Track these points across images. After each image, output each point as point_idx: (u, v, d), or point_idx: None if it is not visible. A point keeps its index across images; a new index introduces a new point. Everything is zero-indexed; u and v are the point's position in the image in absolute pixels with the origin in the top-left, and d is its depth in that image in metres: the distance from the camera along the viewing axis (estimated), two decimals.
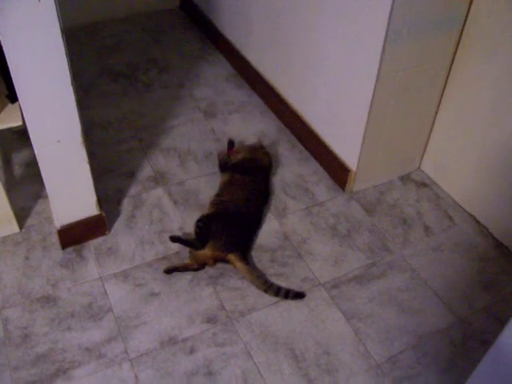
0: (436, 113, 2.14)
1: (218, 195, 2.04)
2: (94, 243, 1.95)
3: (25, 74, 1.48)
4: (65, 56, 1.49)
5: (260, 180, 2.14)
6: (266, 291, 1.82)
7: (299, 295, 1.83)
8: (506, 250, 2.02)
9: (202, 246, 1.84)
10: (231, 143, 2.28)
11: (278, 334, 1.72)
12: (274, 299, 1.81)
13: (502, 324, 0.96)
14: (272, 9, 2.37)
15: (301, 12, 2.16)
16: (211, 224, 1.87)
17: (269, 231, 2.04)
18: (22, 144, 2.28)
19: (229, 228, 1.89)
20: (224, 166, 2.17)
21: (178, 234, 1.99)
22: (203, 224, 1.87)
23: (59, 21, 1.42)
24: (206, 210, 1.99)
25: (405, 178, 2.29)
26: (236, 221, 1.92)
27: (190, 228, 2.01)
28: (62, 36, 1.45)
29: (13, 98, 1.67)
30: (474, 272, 1.94)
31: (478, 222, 2.12)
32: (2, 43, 1.40)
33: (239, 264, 1.85)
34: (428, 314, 1.80)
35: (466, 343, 1.73)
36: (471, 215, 2.14)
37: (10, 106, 1.71)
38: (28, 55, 1.44)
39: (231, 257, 1.86)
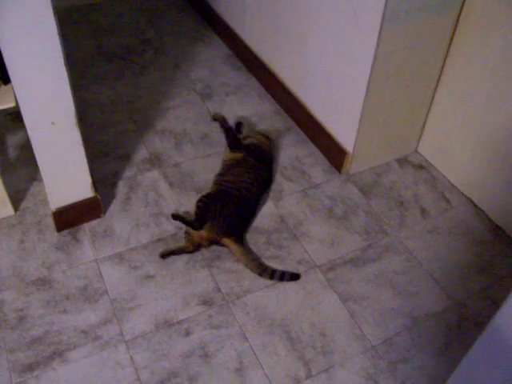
0: (433, 95, 2.12)
1: (220, 174, 2.02)
2: (89, 226, 1.95)
3: (17, 55, 1.46)
4: (58, 37, 1.47)
5: (269, 169, 2.14)
6: (260, 274, 1.82)
7: (294, 276, 1.83)
8: (503, 232, 2.02)
9: (200, 227, 1.84)
10: (239, 125, 2.27)
11: (274, 316, 1.73)
12: (270, 282, 1.81)
13: (498, 306, 0.96)
14: None
15: None
16: (210, 205, 1.87)
17: (265, 213, 2.04)
18: (16, 126, 2.26)
19: (227, 210, 1.88)
20: (236, 144, 2.12)
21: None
22: (203, 204, 1.87)
23: (52, 0, 1.40)
24: (202, 192, 1.98)
25: (402, 161, 2.28)
26: (236, 204, 1.91)
27: (185, 210, 2.00)
28: (55, 16, 1.43)
29: (5, 79, 1.65)
30: (470, 254, 1.94)
31: (474, 204, 2.12)
32: None
33: (234, 247, 1.85)
34: (424, 297, 1.81)
35: (462, 325, 1.74)
36: (468, 198, 2.14)
37: (2, 87, 1.69)
38: (20, 36, 1.42)
39: (226, 240, 1.86)
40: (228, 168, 2.04)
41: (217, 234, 1.85)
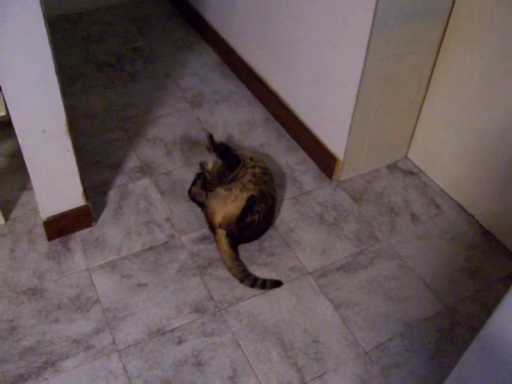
0: (423, 101, 2.14)
1: (268, 182, 1.99)
2: (80, 234, 1.94)
3: (8, 63, 1.45)
4: (49, 45, 1.47)
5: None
6: (241, 280, 1.81)
7: (276, 283, 1.82)
8: (493, 237, 2.04)
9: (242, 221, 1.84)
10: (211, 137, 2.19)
11: (267, 323, 1.73)
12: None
13: (489, 311, 0.97)
14: None
15: (287, 0, 2.15)
16: (258, 211, 1.87)
17: None
18: (6, 135, 2.25)
19: (259, 222, 1.89)
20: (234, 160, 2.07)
21: (166, 224, 1.99)
22: (257, 214, 1.87)
23: (42, 9, 1.40)
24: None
25: (392, 167, 2.29)
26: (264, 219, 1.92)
27: (177, 218, 2.00)
28: (46, 25, 1.43)
29: None
30: (460, 259, 1.96)
31: (464, 209, 2.13)
32: None
33: (225, 247, 1.84)
34: (415, 302, 1.82)
35: (453, 330, 1.74)
36: (458, 203, 2.15)
37: None
38: (11, 45, 1.42)
39: (223, 236, 1.84)
40: (271, 178, 2.02)
41: (230, 224, 1.83)
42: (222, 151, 2.06)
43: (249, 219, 1.84)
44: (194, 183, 2.01)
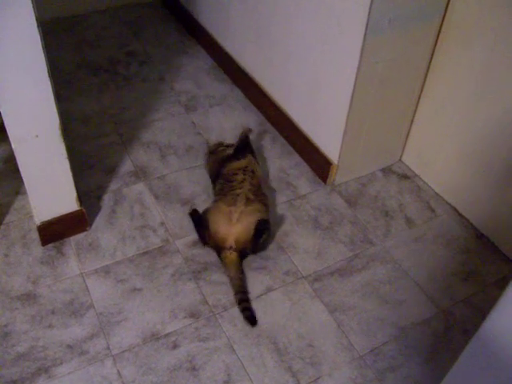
0: (417, 104, 2.14)
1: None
2: (74, 239, 1.93)
3: (0, 67, 1.45)
4: (42, 49, 1.47)
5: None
6: (236, 293, 1.78)
7: (251, 320, 1.73)
8: (487, 240, 2.04)
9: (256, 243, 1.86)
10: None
11: (261, 327, 1.72)
12: (256, 293, 1.81)
13: (483, 314, 0.97)
14: (252, 1, 2.35)
15: (281, 3, 2.15)
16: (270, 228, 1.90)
17: None
18: None
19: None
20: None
21: (161, 228, 1.98)
22: (267, 235, 1.89)
23: (35, 12, 1.40)
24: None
25: (386, 170, 2.30)
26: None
27: (171, 222, 2.00)
28: (39, 28, 1.43)
29: None
30: (455, 263, 1.96)
31: (459, 213, 2.13)
32: None
33: (236, 260, 1.82)
34: (410, 306, 1.81)
35: (448, 334, 1.74)
36: (452, 206, 2.16)
37: None
38: (3, 48, 1.42)
39: (233, 254, 1.82)
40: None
41: (243, 248, 1.83)
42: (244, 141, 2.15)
43: (262, 239, 1.86)
44: (199, 232, 1.92)
